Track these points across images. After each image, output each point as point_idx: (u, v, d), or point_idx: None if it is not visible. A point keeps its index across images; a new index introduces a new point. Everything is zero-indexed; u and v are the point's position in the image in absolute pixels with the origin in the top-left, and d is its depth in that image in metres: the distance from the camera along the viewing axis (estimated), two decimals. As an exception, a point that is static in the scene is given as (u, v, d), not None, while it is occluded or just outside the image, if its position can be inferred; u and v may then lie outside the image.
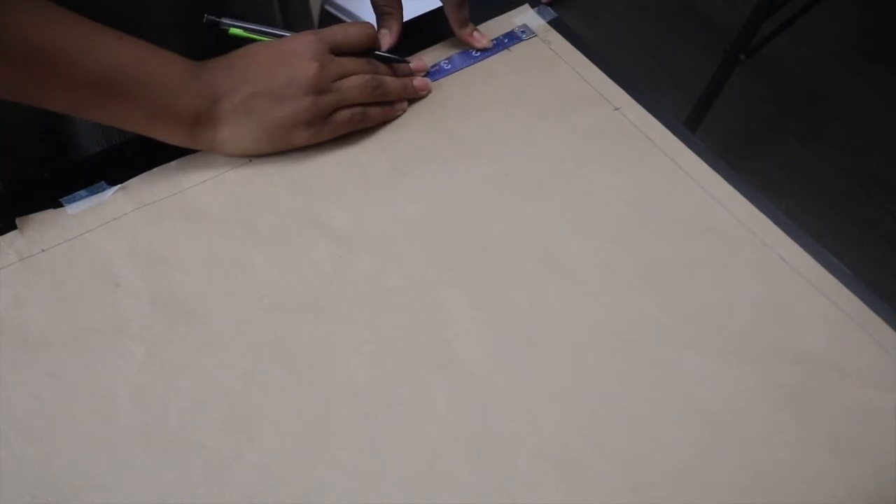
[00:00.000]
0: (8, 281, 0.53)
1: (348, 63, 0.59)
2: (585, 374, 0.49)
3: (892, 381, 0.48)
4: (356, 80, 0.59)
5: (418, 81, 0.64)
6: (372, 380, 0.49)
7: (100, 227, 0.56)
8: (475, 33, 0.67)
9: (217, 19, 0.59)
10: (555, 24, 0.69)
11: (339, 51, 0.59)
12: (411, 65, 0.65)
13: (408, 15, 0.68)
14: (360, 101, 0.59)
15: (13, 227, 0.55)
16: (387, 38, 0.65)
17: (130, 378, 0.49)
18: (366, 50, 0.61)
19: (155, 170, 0.58)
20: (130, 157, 0.59)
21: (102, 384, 0.49)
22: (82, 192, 0.57)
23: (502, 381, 0.49)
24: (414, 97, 0.64)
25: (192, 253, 0.55)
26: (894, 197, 1.31)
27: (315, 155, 0.60)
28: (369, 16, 0.66)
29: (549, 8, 0.71)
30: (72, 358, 0.50)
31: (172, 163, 0.59)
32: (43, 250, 0.54)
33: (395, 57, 0.64)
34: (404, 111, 0.63)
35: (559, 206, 0.57)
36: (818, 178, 1.35)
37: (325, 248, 0.55)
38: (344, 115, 0.59)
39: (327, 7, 1.65)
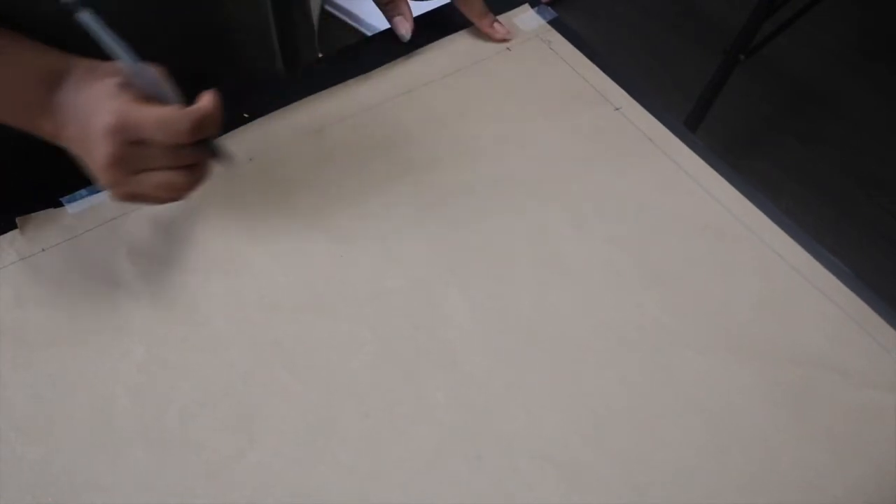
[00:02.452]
0: (8, 280, 0.53)
1: (149, 157, 0.48)
2: (585, 373, 0.49)
3: (892, 381, 0.48)
4: (155, 179, 0.49)
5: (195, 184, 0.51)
6: (372, 380, 0.49)
7: (100, 226, 0.56)
8: (496, 24, 0.67)
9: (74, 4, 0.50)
10: (555, 24, 0.69)
11: (143, 141, 0.48)
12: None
13: (416, 12, 0.68)
14: (160, 196, 0.50)
15: (13, 226, 0.55)
16: (404, 24, 0.65)
17: (130, 378, 0.49)
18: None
19: (155, 170, 0.58)
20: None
21: (102, 384, 0.48)
22: (82, 192, 0.57)
23: (502, 380, 0.49)
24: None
25: (191, 253, 0.54)
26: (894, 197, 1.31)
27: (315, 155, 0.60)
28: (370, 16, 0.66)
29: (549, 8, 0.71)
30: (72, 358, 0.50)
31: (172, 163, 0.59)
32: (43, 250, 0.54)
33: (221, 149, 0.50)
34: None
35: (559, 206, 0.57)
36: (818, 178, 1.35)
37: (325, 248, 0.55)
38: (126, 189, 0.49)
39: (327, 7, 1.65)
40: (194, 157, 0.50)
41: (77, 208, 0.56)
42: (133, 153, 0.48)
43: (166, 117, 0.48)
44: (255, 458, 0.46)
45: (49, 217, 0.56)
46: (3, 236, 0.55)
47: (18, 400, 0.48)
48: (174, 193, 0.50)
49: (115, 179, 0.49)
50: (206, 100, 0.48)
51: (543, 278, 0.53)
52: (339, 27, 1.62)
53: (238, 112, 0.61)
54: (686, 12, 1.91)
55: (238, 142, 0.60)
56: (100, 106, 0.49)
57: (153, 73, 0.49)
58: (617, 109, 0.63)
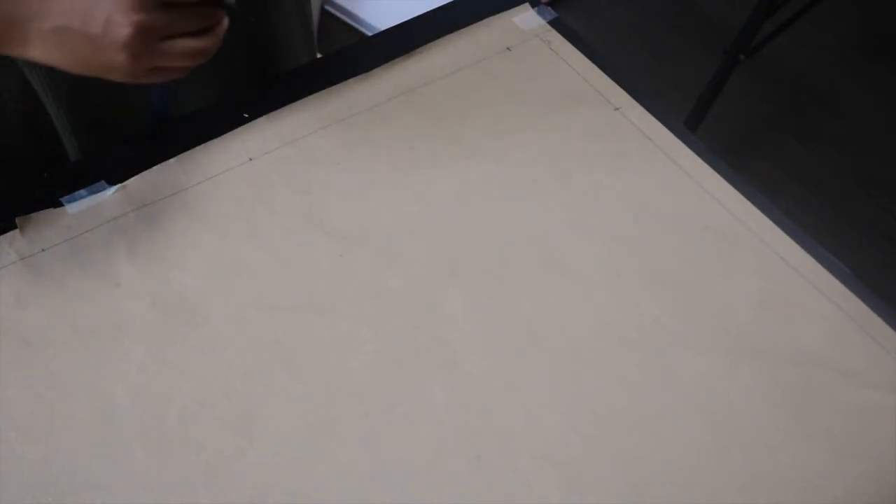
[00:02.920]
0: (8, 280, 0.53)
1: (177, 21, 0.49)
2: (585, 373, 0.49)
3: (892, 381, 0.48)
4: (182, 46, 0.50)
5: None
6: (372, 380, 0.49)
7: (100, 226, 0.56)
8: None
9: None
10: (555, 23, 0.69)
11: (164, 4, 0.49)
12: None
13: (407, 15, 0.68)
14: (186, 65, 0.51)
15: (13, 226, 0.55)
16: None
17: (130, 378, 0.49)
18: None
19: (154, 168, 0.58)
20: (130, 157, 0.59)
21: (102, 384, 0.48)
22: (82, 192, 0.57)
23: (502, 380, 0.49)
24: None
25: (191, 252, 0.54)
26: (894, 197, 1.30)
27: (315, 154, 0.60)
28: (370, 16, 0.65)
29: (549, 8, 0.71)
30: (72, 357, 0.49)
31: (172, 160, 0.59)
32: (43, 250, 0.54)
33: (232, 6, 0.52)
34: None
35: (559, 206, 0.57)
36: (818, 178, 1.35)
37: (325, 248, 0.55)
38: (168, 70, 0.50)
39: (327, 7, 1.65)
40: (212, 17, 0.51)
41: (77, 208, 0.56)
42: (158, 19, 0.48)
43: None
44: (255, 458, 0.46)
45: (49, 217, 0.56)
46: (3, 236, 0.55)
47: (18, 400, 0.48)
48: (195, 59, 0.51)
49: (139, 51, 0.49)
50: None
51: (543, 278, 0.53)
52: (339, 27, 1.62)
53: (238, 112, 0.61)
54: (686, 12, 1.91)
55: (238, 142, 0.59)
56: None
57: None
58: (617, 109, 0.63)
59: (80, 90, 0.60)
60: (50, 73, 0.58)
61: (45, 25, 0.49)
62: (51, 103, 0.60)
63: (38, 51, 0.50)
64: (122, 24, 0.48)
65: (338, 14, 1.66)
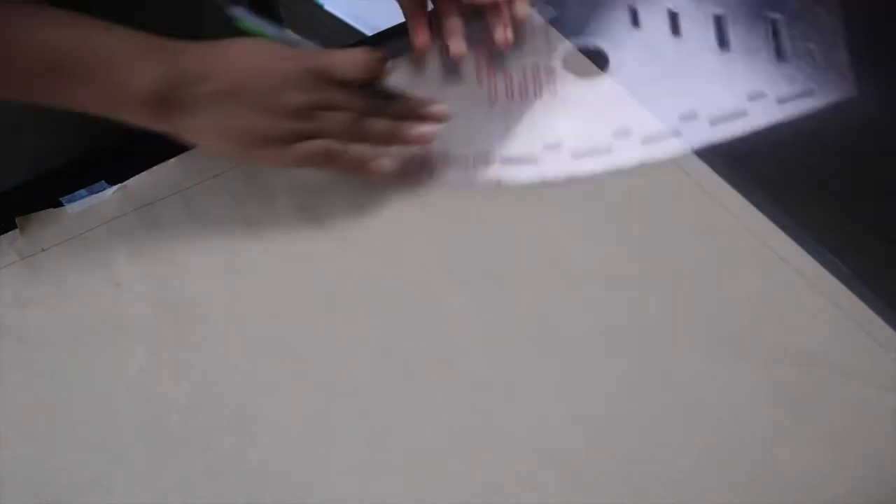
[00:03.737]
0: (8, 280, 0.53)
1: (336, 93, 0.53)
2: (586, 373, 0.49)
3: (892, 381, 0.48)
4: (338, 116, 0.53)
5: (420, 130, 0.55)
6: (372, 380, 0.49)
7: (100, 226, 0.56)
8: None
9: (227, 1, 0.54)
10: (555, 22, 0.69)
11: (332, 79, 0.52)
12: (432, 109, 0.56)
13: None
14: (338, 135, 0.53)
15: (13, 226, 0.55)
16: (420, 36, 0.61)
17: (131, 378, 0.49)
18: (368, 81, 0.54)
19: (155, 168, 0.58)
20: (131, 156, 0.59)
21: (103, 384, 0.48)
22: (82, 192, 0.57)
23: (502, 380, 0.49)
24: (405, 144, 0.56)
25: (192, 252, 0.54)
26: (894, 197, 1.30)
27: (315, 155, 0.60)
28: (370, 16, 0.65)
29: (549, 7, 0.71)
30: (72, 357, 0.49)
31: (172, 160, 0.59)
32: (43, 250, 0.54)
33: (400, 91, 0.56)
34: (384, 173, 0.55)
35: (559, 206, 0.57)
36: (818, 178, 1.34)
37: (325, 248, 0.55)
38: (311, 147, 0.52)
39: (327, 7, 1.65)
40: (375, 101, 0.54)
41: (77, 208, 0.56)
42: (319, 88, 0.52)
43: (355, 51, 0.53)
44: (255, 458, 0.46)
45: (49, 217, 0.56)
46: (3, 236, 0.55)
47: (18, 400, 0.48)
48: (345, 135, 0.53)
49: (299, 111, 0.52)
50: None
51: (543, 278, 0.53)
52: (339, 27, 1.62)
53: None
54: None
55: (238, 142, 0.59)
56: (267, 56, 0.52)
57: (303, 41, 0.55)
58: (617, 109, 0.63)
59: (27, 113, 0.60)
60: None
61: (208, 87, 0.50)
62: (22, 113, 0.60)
63: (193, 117, 0.51)
64: (291, 91, 0.51)
65: (337, 13, 1.66)
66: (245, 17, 0.55)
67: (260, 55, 0.52)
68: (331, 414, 0.48)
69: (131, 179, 0.58)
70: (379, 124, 0.54)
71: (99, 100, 0.50)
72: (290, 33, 0.55)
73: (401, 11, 0.64)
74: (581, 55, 0.65)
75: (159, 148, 0.58)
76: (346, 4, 1.64)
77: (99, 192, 0.57)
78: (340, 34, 1.59)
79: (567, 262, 0.54)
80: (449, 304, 0.52)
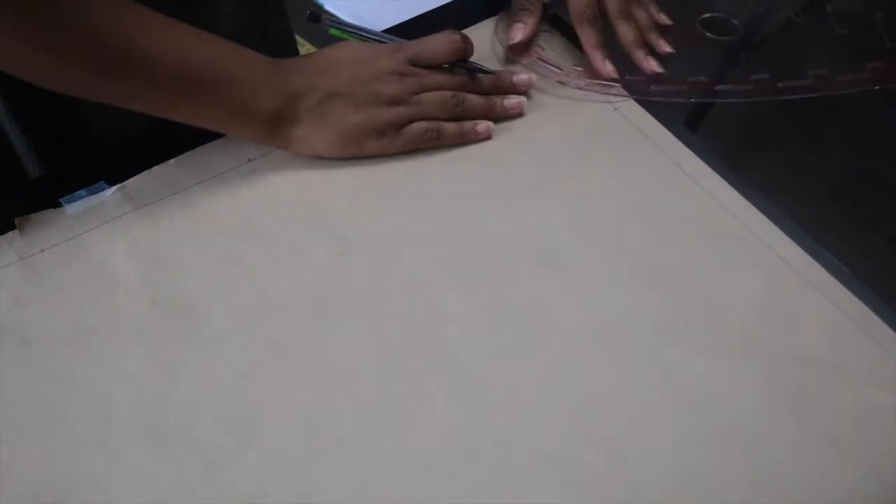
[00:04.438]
0: (8, 281, 0.53)
1: (430, 76, 0.59)
2: (585, 374, 0.49)
3: (892, 381, 0.48)
4: (435, 95, 0.58)
5: (509, 101, 0.61)
6: (372, 380, 0.49)
7: (99, 226, 0.56)
8: (606, 61, 0.63)
9: (318, 13, 0.61)
10: (554, 22, 0.69)
11: (422, 63, 0.59)
12: (514, 78, 0.62)
13: (407, 15, 0.68)
14: (437, 116, 0.59)
15: (13, 226, 0.55)
16: (519, 32, 0.64)
17: (130, 378, 0.49)
18: (455, 61, 0.60)
19: (154, 169, 0.58)
20: (130, 157, 0.59)
21: (102, 384, 0.48)
22: (82, 192, 0.57)
23: (502, 381, 0.49)
24: (501, 117, 0.61)
25: (191, 252, 0.54)
26: (894, 197, 1.30)
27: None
28: (370, 15, 0.65)
29: (548, 6, 0.71)
30: (72, 358, 0.49)
31: (171, 161, 0.59)
32: (42, 250, 0.54)
33: (486, 68, 0.61)
34: (489, 136, 0.60)
35: (559, 206, 0.57)
36: (818, 178, 1.34)
37: (325, 248, 0.55)
38: (418, 127, 0.58)
39: (327, 7, 1.64)
40: (464, 78, 0.60)
41: (76, 208, 0.56)
42: (414, 73, 0.58)
43: (441, 35, 0.59)
44: (255, 458, 0.46)
45: (48, 217, 0.56)
46: (2, 237, 0.55)
47: (18, 399, 0.48)
48: (445, 111, 0.59)
49: (398, 99, 0.57)
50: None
51: (543, 278, 0.53)
52: (323, 28, 1.61)
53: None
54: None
55: (238, 142, 0.59)
56: (374, 55, 0.58)
57: (390, 38, 0.61)
58: (616, 109, 0.63)
59: (37, 111, 0.61)
60: (5, 94, 0.59)
61: (313, 98, 0.56)
62: (9, 124, 0.61)
63: (303, 127, 0.56)
64: (386, 81, 0.57)
65: (338, 13, 1.65)
66: (333, 25, 0.61)
67: (353, 57, 0.58)
68: (330, 413, 0.48)
69: (131, 179, 0.58)
70: (475, 99, 0.60)
71: (223, 117, 0.55)
72: (377, 32, 0.61)
73: (404, 11, 0.66)
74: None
75: (159, 148, 0.58)
76: (346, 4, 1.64)
77: (98, 192, 0.57)
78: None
79: (567, 262, 0.54)
80: (449, 304, 0.52)
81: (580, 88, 0.63)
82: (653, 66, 0.64)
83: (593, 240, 0.55)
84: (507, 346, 0.50)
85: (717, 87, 0.63)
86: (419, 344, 0.50)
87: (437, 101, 0.58)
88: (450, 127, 0.59)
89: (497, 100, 0.61)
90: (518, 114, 0.61)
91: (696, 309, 0.52)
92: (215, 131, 0.58)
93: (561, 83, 0.64)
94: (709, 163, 0.59)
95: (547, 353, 0.50)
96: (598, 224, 0.56)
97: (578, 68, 0.65)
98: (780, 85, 0.63)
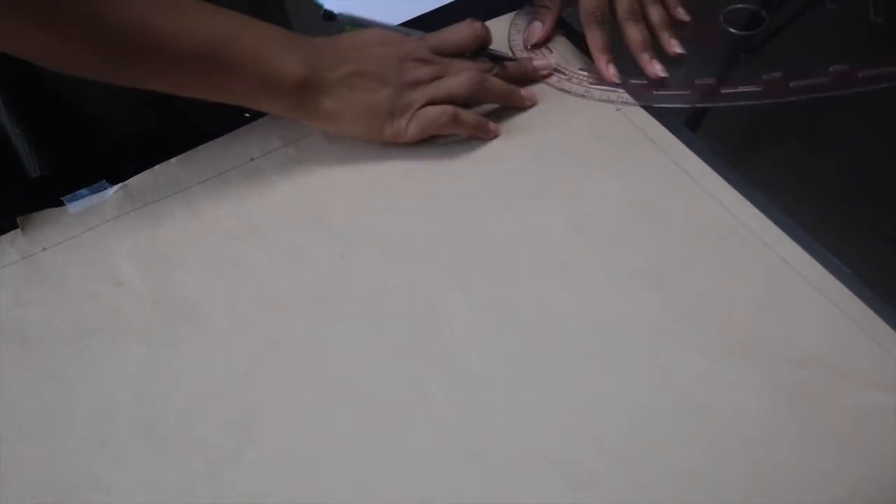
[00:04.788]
0: (9, 280, 0.53)
1: (454, 63, 0.60)
2: (586, 374, 0.49)
3: (892, 381, 0.48)
4: (460, 75, 0.59)
5: (527, 90, 0.62)
6: (373, 380, 0.49)
7: (101, 225, 0.56)
8: (610, 65, 0.64)
9: (333, 13, 0.62)
10: (559, 24, 0.69)
11: (446, 52, 0.60)
12: (535, 62, 0.64)
13: (408, 15, 0.68)
14: (458, 97, 0.59)
15: (14, 225, 0.55)
16: (537, 32, 0.66)
17: (131, 377, 0.49)
18: (476, 48, 0.61)
19: (156, 168, 0.58)
20: (132, 156, 0.59)
21: (103, 383, 0.49)
22: (84, 191, 0.57)
23: (503, 380, 0.49)
24: (518, 106, 0.62)
25: (192, 252, 0.55)
26: (894, 197, 1.30)
27: (316, 154, 0.60)
28: (370, 16, 0.65)
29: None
30: (72, 357, 0.50)
31: (173, 160, 0.59)
32: (44, 249, 0.54)
33: (508, 55, 0.63)
34: (497, 134, 0.61)
35: (560, 206, 0.57)
36: (818, 178, 1.34)
37: (326, 248, 0.55)
38: (433, 110, 0.58)
39: (327, 8, 1.64)
40: (485, 64, 0.61)
41: (78, 207, 0.56)
42: (437, 60, 0.59)
43: (462, 24, 0.61)
44: (256, 458, 0.46)
45: (50, 216, 0.56)
46: (4, 236, 0.55)
47: (18, 399, 0.48)
48: (466, 90, 0.59)
49: (422, 78, 0.58)
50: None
51: (543, 278, 0.53)
52: (339, 27, 1.62)
53: (239, 112, 0.61)
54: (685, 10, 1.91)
55: (239, 142, 0.60)
56: (387, 39, 0.59)
57: (412, 31, 0.61)
58: (618, 110, 0.63)
59: (38, 110, 0.61)
60: (6, 93, 0.59)
61: (342, 70, 0.56)
62: (10, 123, 0.61)
63: (331, 98, 0.56)
64: (411, 64, 0.58)
65: (338, 13, 1.65)
66: (348, 21, 0.62)
67: (381, 39, 0.59)
68: (331, 414, 0.48)
69: (132, 178, 0.58)
70: (496, 81, 0.61)
71: (247, 89, 0.55)
72: (398, 27, 0.62)
73: (403, 12, 0.66)
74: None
75: (160, 147, 0.59)
76: (346, 5, 1.64)
77: (100, 191, 0.57)
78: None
79: (567, 263, 0.54)
80: (449, 304, 0.52)
81: (581, 96, 0.63)
82: (657, 70, 0.63)
83: (593, 239, 0.55)
84: (507, 345, 0.50)
85: (724, 91, 0.63)
86: (420, 344, 0.50)
87: (460, 82, 0.59)
88: (466, 114, 0.59)
89: (515, 88, 0.62)
90: (532, 104, 0.62)
91: (697, 309, 0.52)
92: (243, 106, 0.57)
93: (564, 90, 0.64)
94: (709, 163, 0.59)
95: (547, 353, 0.50)
96: (599, 224, 0.56)
97: (583, 72, 0.65)
98: (792, 84, 0.62)
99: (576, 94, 0.63)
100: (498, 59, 0.62)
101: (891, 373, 0.49)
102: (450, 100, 0.58)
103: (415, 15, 0.69)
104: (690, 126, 0.62)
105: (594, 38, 0.64)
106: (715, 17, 0.68)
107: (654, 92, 0.63)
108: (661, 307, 0.52)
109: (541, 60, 0.64)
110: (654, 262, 0.54)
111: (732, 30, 0.67)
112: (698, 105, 0.62)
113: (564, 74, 0.64)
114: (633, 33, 0.64)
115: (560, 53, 0.67)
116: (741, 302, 0.52)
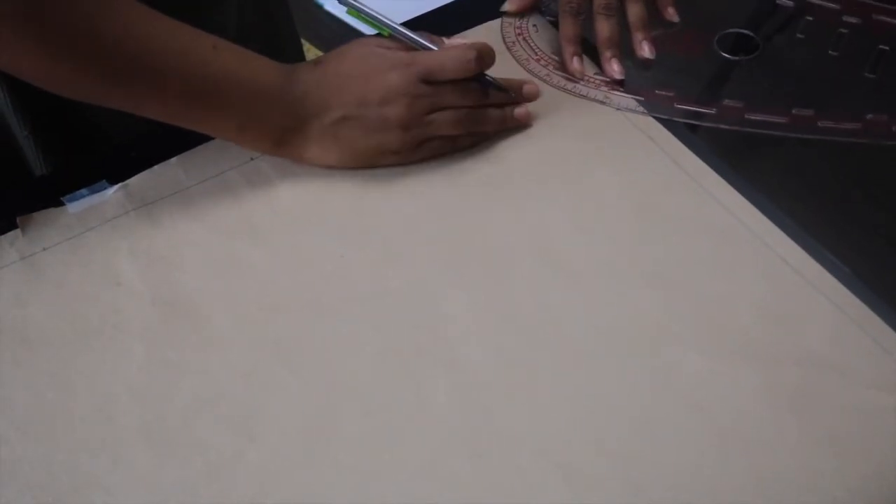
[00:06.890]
0: (9, 280, 0.53)
1: (442, 94, 0.57)
2: (586, 374, 0.49)
3: (892, 382, 0.48)
4: (448, 115, 0.57)
5: (519, 111, 0.61)
6: (373, 379, 0.49)
7: (101, 225, 0.56)
8: (613, 60, 0.63)
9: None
10: (555, 23, 0.69)
11: (434, 79, 0.57)
12: (523, 90, 0.62)
13: (408, 14, 0.68)
14: (451, 133, 0.58)
15: (14, 225, 0.55)
16: (515, 3, 0.66)
17: (131, 377, 0.49)
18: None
19: (156, 168, 0.58)
20: (132, 156, 0.59)
21: (103, 383, 0.49)
22: (83, 191, 0.57)
23: (503, 380, 0.49)
24: (514, 127, 0.61)
25: (192, 252, 0.55)
26: (894, 197, 1.29)
27: (316, 154, 0.60)
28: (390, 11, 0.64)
29: (549, 7, 0.71)
30: (72, 357, 0.50)
31: (173, 160, 0.59)
32: (44, 249, 0.54)
33: (500, 84, 0.60)
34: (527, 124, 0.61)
35: (560, 206, 0.57)
36: (818, 179, 1.33)
37: (326, 248, 0.55)
38: (433, 145, 0.58)
39: (327, 8, 1.65)
40: (478, 93, 0.59)
41: (78, 207, 0.56)
42: (425, 93, 0.56)
43: (454, 51, 0.57)
44: (256, 458, 0.46)
45: (50, 216, 0.56)
46: (3, 236, 0.55)
47: (18, 400, 0.48)
48: (458, 128, 0.58)
49: (411, 122, 0.56)
50: (481, 42, 0.58)
51: (543, 278, 0.53)
52: (339, 27, 1.62)
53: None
54: (685, 10, 1.91)
55: (238, 141, 0.59)
56: (379, 62, 0.56)
57: (410, 32, 0.59)
58: (618, 109, 0.63)
59: (44, 112, 0.61)
60: (14, 94, 0.59)
61: (325, 120, 0.55)
62: (17, 125, 0.61)
63: (315, 147, 0.56)
64: (396, 104, 0.55)
65: (338, 14, 1.66)
66: (352, 6, 0.59)
67: (363, 71, 0.56)
68: (331, 414, 0.48)
69: (132, 179, 0.58)
70: (488, 113, 0.59)
71: (231, 128, 0.55)
72: (393, 25, 0.59)
73: (399, 12, 0.65)
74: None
75: (160, 147, 0.58)
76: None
77: (100, 191, 0.57)
78: (340, 35, 1.59)
79: (567, 262, 0.54)
80: (449, 303, 0.52)
81: (601, 102, 0.63)
82: (613, 71, 0.63)
83: (594, 239, 0.55)
84: (508, 345, 0.50)
85: (748, 116, 0.62)
86: (420, 343, 0.50)
87: (451, 119, 0.57)
88: (465, 141, 0.59)
89: (508, 111, 0.61)
90: (527, 124, 0.61)
91: (697, 309, 0.52)
92: (230, 141, 0.58)
93: (583, 96, 0.63)
94: (709, 163, 0.59)
95: (548, 353, 0.50)
96: (599, 224, 0.56)
97: (588, 76, 0.65)
98: (820, 124, 0.61)
99: (594, 100, 0.63)
100: (490, 87, 0.60)
101: (891, 373, 0.49)
102: (443, 134, 0.58)
103: (415, 15, 0.69)
104: (690, 126, 0.62)
105: (565, 28, 0.64)
106: (710, 37, 0.68)
107: (675, 105, 0.62)
108: (662, 307, 0.52)
109: (531, 87, 0.62)
110: (655, 263, 0.54)
111: (722, 52, 0.67)
112: (722, 126, 0.61)
113: (592, 82, 0.64)
114: (602, 28, 0.63)
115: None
116: (741, 302, 0.52)
